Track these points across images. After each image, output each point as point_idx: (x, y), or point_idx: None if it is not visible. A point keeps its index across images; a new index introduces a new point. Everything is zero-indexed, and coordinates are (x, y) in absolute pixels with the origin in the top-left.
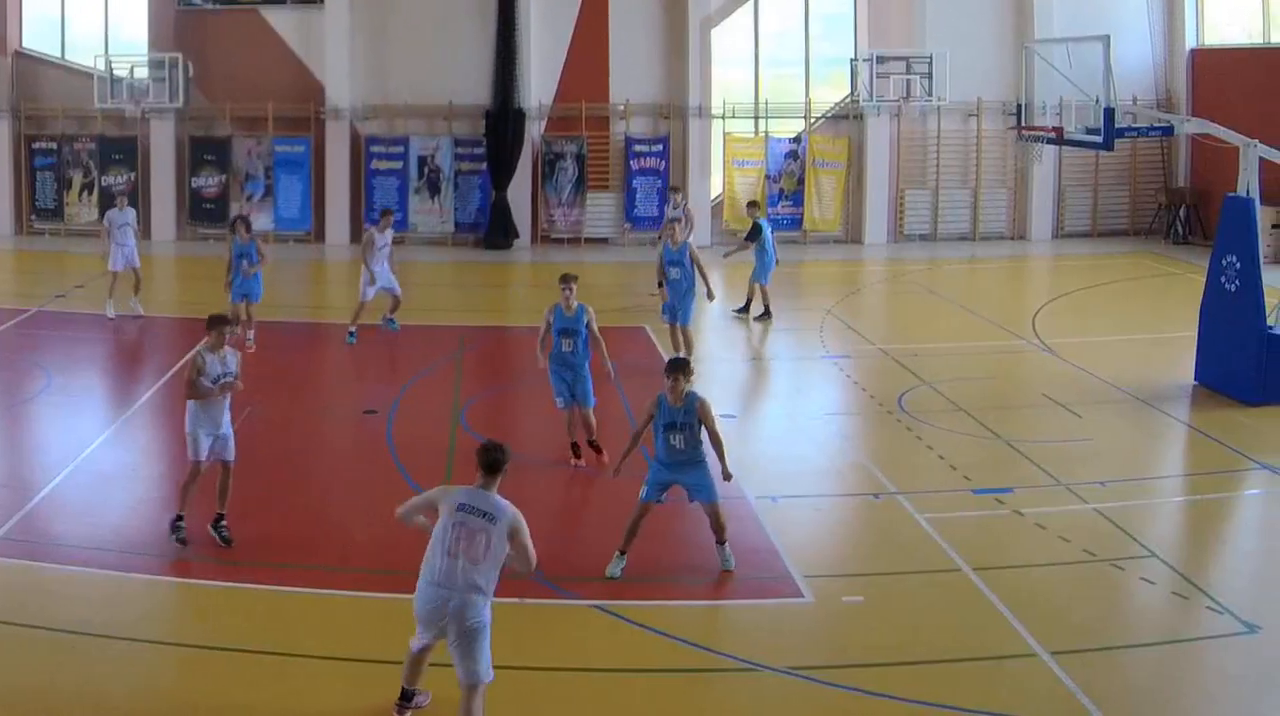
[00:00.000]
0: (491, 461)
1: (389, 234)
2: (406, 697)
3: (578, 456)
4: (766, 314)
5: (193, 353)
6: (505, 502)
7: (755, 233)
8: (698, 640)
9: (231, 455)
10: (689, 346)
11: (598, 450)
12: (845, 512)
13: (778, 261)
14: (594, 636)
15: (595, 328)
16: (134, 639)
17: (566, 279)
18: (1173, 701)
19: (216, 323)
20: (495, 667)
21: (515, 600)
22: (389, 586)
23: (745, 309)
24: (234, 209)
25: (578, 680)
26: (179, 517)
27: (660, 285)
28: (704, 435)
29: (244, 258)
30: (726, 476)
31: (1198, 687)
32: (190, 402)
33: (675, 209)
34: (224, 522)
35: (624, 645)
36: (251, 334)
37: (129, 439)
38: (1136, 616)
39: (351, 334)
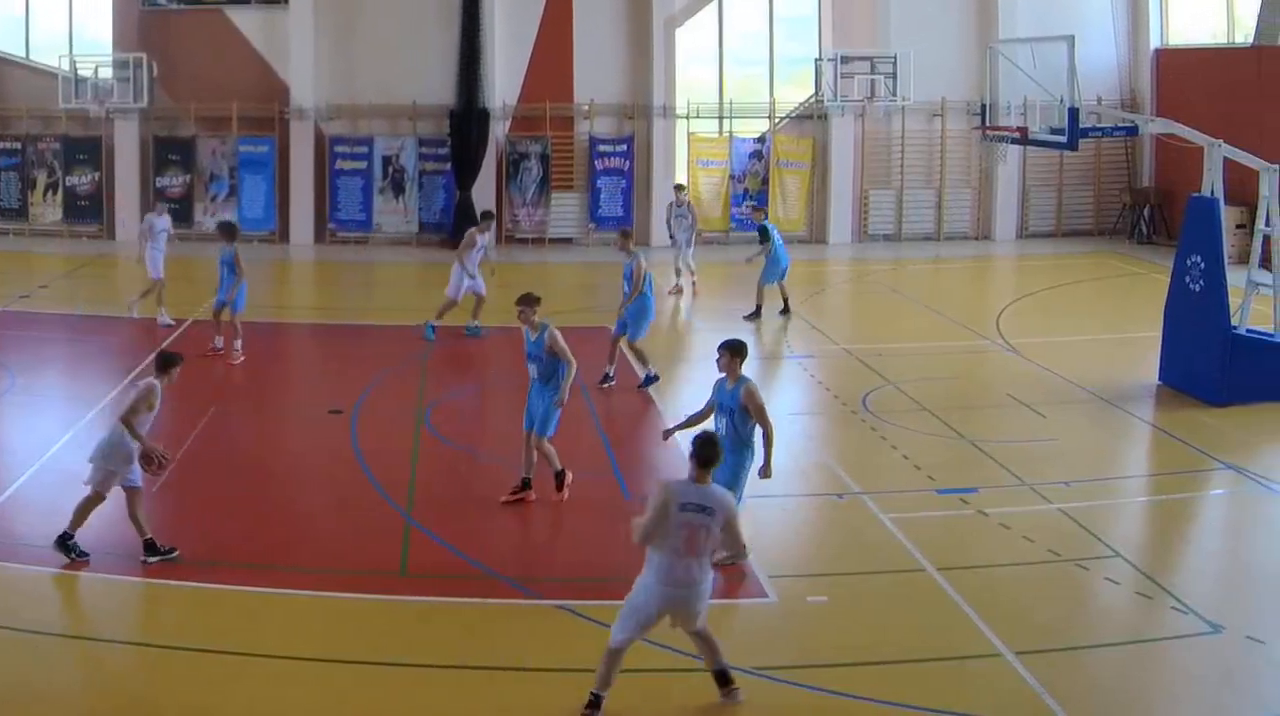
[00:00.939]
0: (707, 456)
1: (489, 236)
2: (595, 704)
3: (558, 487)
4: (756, 314)
5: (148, 384)
6: (719, 492)
7: (765, 235)
8: (663, 640)
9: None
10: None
11: (559, 485)
12: (810, 513)
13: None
14: (561, 636)
15: (558, 347)
16: (96, 638)
17: (524, 302)
18: (1137, 701)
19: (170, 364)
20: (462, 668)
21: (480, 600)
22: (350, 586)
23: (757, 313)
24: (199, 210)
25: (543, 680)
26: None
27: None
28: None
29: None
30: (763, 473)
31: (1162, 687)
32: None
33: (680, 206)
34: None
35: (590, 645)
36: (239, 344)
37: (93, 439)
38: (1101, 616)
39: (431, 329)
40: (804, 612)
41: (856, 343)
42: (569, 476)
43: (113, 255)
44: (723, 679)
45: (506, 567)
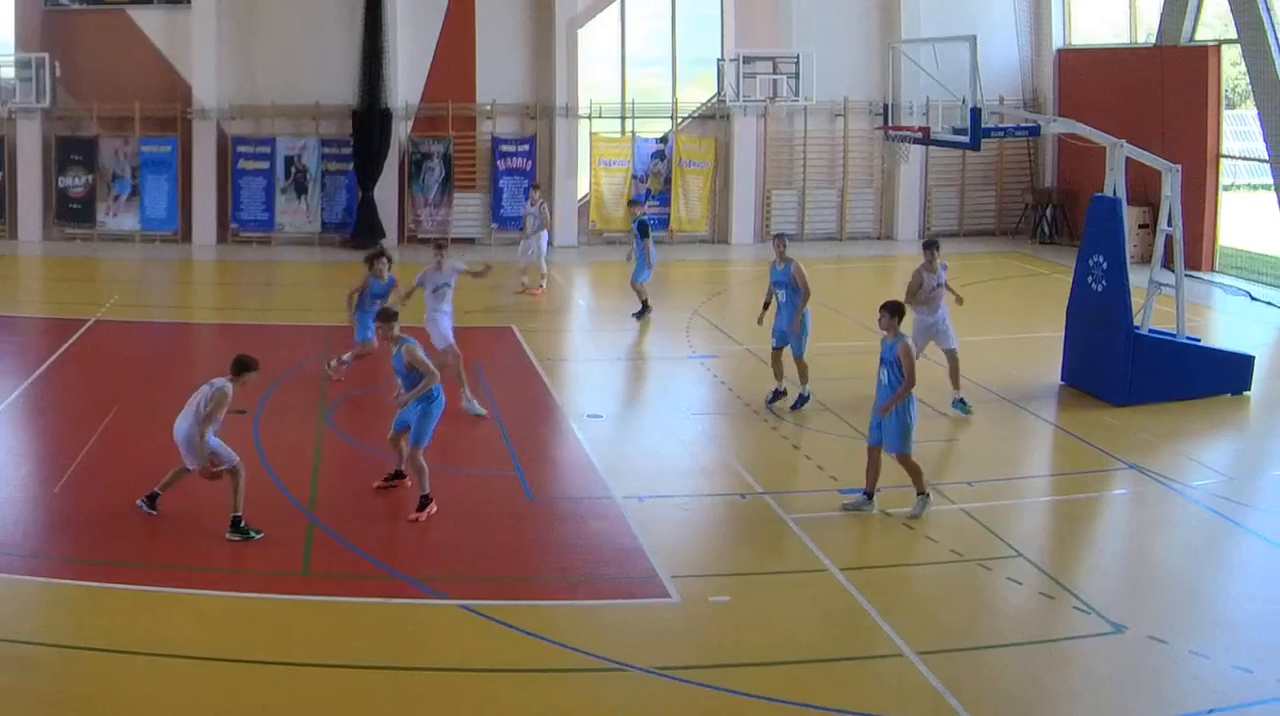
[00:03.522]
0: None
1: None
2: None
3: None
4: (644, 310)
5: (221, 390)
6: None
7: (645, 231)
8: (565, 640)
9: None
10: (803, 376)
11: (420, 506)
12: (712, 512)
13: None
14: (462, 636)
15: (417, 361)
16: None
17: (382, 318)
18: (1040, 701)
19: (245, 368)
20: (363, 668)
21: (382, 600)
22: (252, 586)
23: (644, 311)
24: (101, 210)
25: (446, 680)
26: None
27: (765, 307)
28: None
29: (380, 298)
30: (881, 411)
31: (1065, 687)
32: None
33: (533, 206)
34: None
35: (492, 645)
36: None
37: None
38: (1003, 616)
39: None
40: (707, 612)
41: (759, 343)
42: (432, 507)
43: (13, 256)
44: None
45: (409, 567)
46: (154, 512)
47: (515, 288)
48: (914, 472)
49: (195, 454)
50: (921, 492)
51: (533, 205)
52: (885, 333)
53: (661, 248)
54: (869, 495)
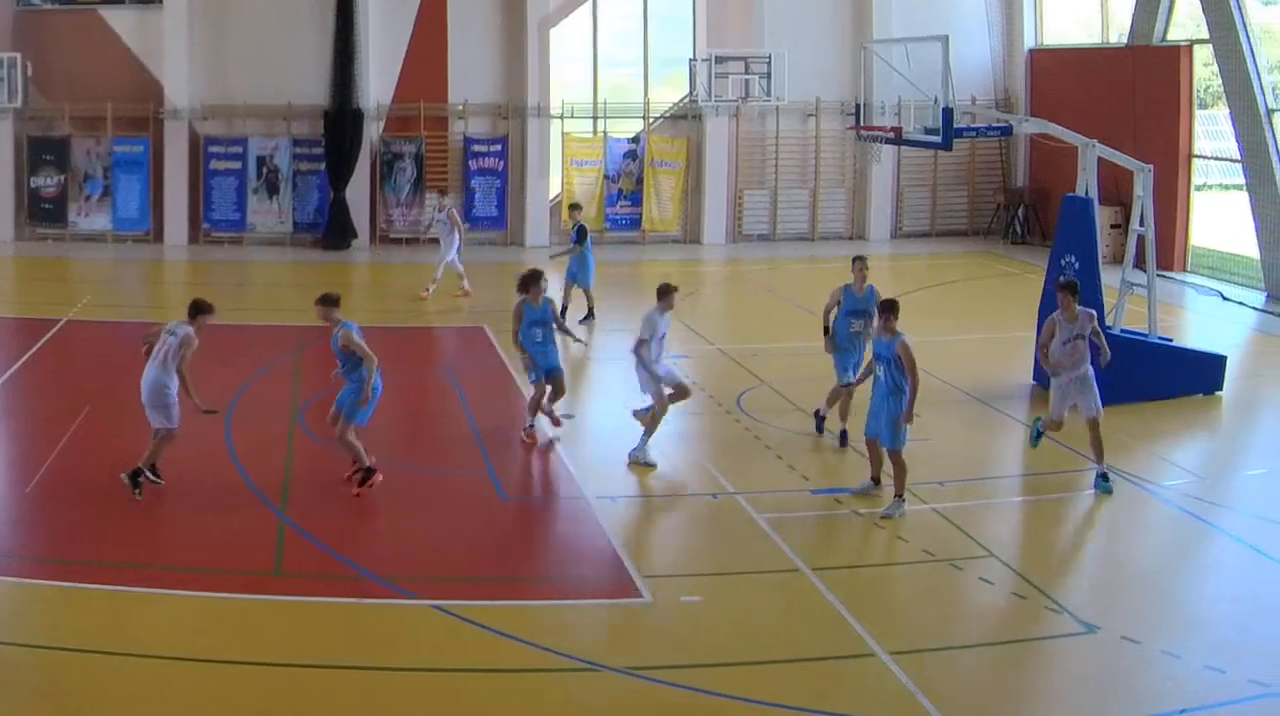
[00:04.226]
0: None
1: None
2: None
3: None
4: (591, 316)
5: (184, 333)
6: None
7: (583, 235)
8: (537, 640)
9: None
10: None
11: (362, 480)
12: (684, 512)
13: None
14: (434, 636)
15: (354, 344)
16: None
17: (322, 302)
18: (1012, 701)
19: (202, 310)
20: (336, 668)
21: (354, 600)
22: (224, 586)
23: (590, 315)
24: (73, 210)
25: (417, 680)
26: None
27: (826, 332)
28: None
29: (539, 326)
30: (905, 418)
31: (1037, 688)
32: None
33: (440, 212)
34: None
35: (464, 645)
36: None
37: None
38: (975, 616)
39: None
40: (679, 612)
41: (731, 343)
42: (377, 477)
43: None
44: None
45: (380, 567)
46: (160, 482)
47: (456, 292)
48: (899, 471)
49: (160, 407)
50: (900, 495)
51: (440, 212)
52: (883, 333)
53: (633, 248)
54: (876, 481)
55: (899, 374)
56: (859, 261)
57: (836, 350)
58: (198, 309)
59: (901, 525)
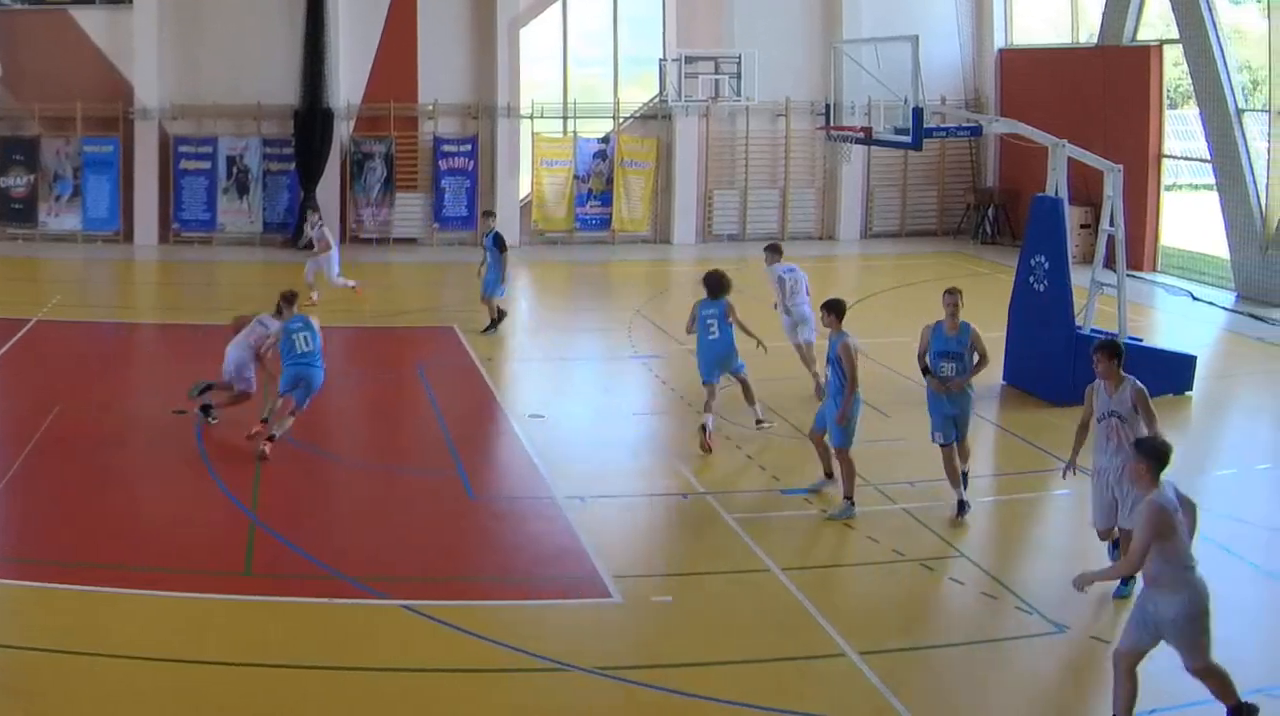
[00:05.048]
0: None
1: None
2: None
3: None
4: (494, 326)
5: (276, 327)
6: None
7: (501, 243)
8: (507, 640)
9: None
10: (965, 456)
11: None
12: (654, 512)
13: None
14: (404, 636)
15: (310, 334)
16: None
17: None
18: (982, 701)
19: (290, 302)
20: (306, 667)
21: (324, 600)
22: (195, 586)
23: (493, 327)
24: (43, 210)
25: (387, 679)
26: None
27: (926, 372)
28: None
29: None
30: (838, 419)
31: (1007, 687)
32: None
33: (312, 229)
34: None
35: (434, 645)
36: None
37: None
38: (945, 616)
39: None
40: (649, 612)
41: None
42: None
43: None
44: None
45: (350, 567)
46: (212, 421)
47: (353, 286)
48: (847, 471)
49: (241, 379)
50: (848, 497)
51: (312, 229)
52: (829, 329)
53: (603, 248)
54: (829, 475)
55: (841, 374)
56: (951, 294)
57: (929, 399)
58: (287, 301)
59: (872, 525)
